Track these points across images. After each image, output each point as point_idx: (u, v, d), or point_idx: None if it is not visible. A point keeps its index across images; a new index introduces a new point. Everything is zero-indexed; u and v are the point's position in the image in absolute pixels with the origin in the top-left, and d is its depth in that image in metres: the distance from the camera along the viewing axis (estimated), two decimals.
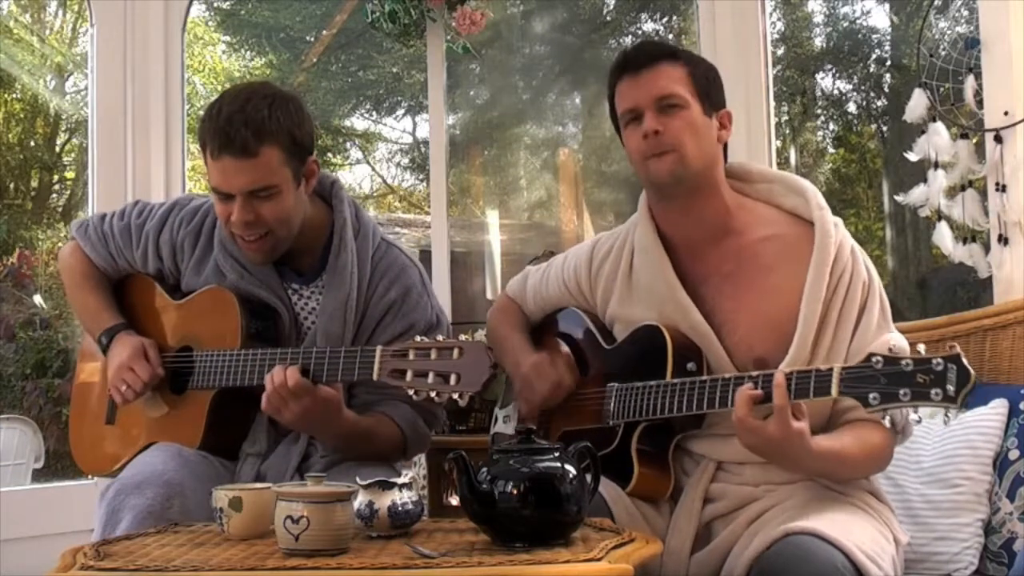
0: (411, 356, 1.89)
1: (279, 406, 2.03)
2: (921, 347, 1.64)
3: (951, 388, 1.57)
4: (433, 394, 1.86)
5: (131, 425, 2.32)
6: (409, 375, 1.88)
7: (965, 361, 1.58)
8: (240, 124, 2.05)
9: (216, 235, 2.28)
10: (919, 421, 1.66)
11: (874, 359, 1.64)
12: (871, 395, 1.63)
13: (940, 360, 1.59)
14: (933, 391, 1.58)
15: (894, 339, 1.91)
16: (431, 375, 1.86)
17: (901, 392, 1.60)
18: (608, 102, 2.11)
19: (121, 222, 2.38)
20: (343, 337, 2.20)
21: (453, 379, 1.84)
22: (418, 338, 1.91)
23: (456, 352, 1.85)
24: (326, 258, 2.24)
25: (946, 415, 1.60)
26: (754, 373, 1.80)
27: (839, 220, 2.01)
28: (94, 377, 2.45)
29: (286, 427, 2.22)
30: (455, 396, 1.85)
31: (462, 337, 1.90)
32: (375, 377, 1.95)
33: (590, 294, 2.18)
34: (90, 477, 2.88)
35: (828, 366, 1.71)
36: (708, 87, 2.04)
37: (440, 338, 1.90)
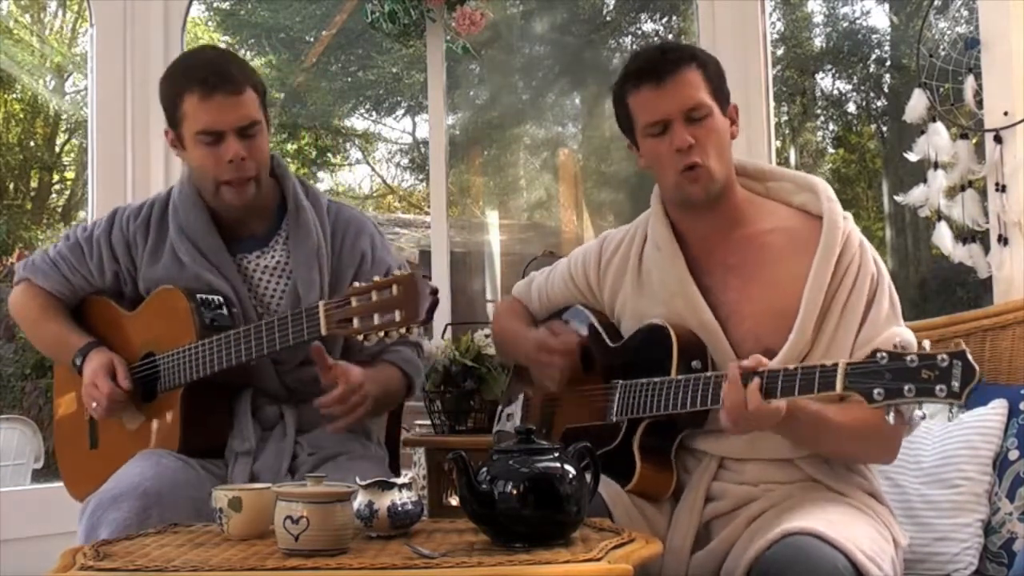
0: (353, 303, 1.89)
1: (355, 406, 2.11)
2: (926, 343, 1.63)
3: (956, 384, 1.56)
4: (382, 334, 1.85)
5: (114, 444, 2.32)
6: (356, 322, 1.88)
7: (970, 357, 1.57)
8: (224, 65, 2.20)
9: (171, 221, 2.30)
10: (924, 417, 1.65)
11: (879, 355, 1.64)
12: (876, 391, 1.62)
13: (945, 356, 1.58)
14: (938, 387, 1.57)
15: (902, 333, 1.91)
16: (376, 316, 1.85)
17: (906, 388, 1.60)
18: (617, 107, 2.07)
19: (68, 243, 2.40)
20: (321, 284, 2.25)
21: (397, 315, 1.83)
22: (354, 284, 1.91)
23: (395, 288, 1.84)
24: (280, 219, 2.31)
25: (950, 411, 1.59)
26: (760, 369, 1.78)
27: (848, 214, 2.01)
28: (72, 408, 2.43)
29: (271, 421, 2.24)
30: (403, 331, 1.84)
31: (395, 273, 1.88)
32: (323, 332, 1.96)
33: (598, 289, 2.18)
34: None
35: (833, 362, 1.70)
36: (720, 85, 2.02)
37: (377, 279, 1.87)
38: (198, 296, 2.23)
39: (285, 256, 2.29)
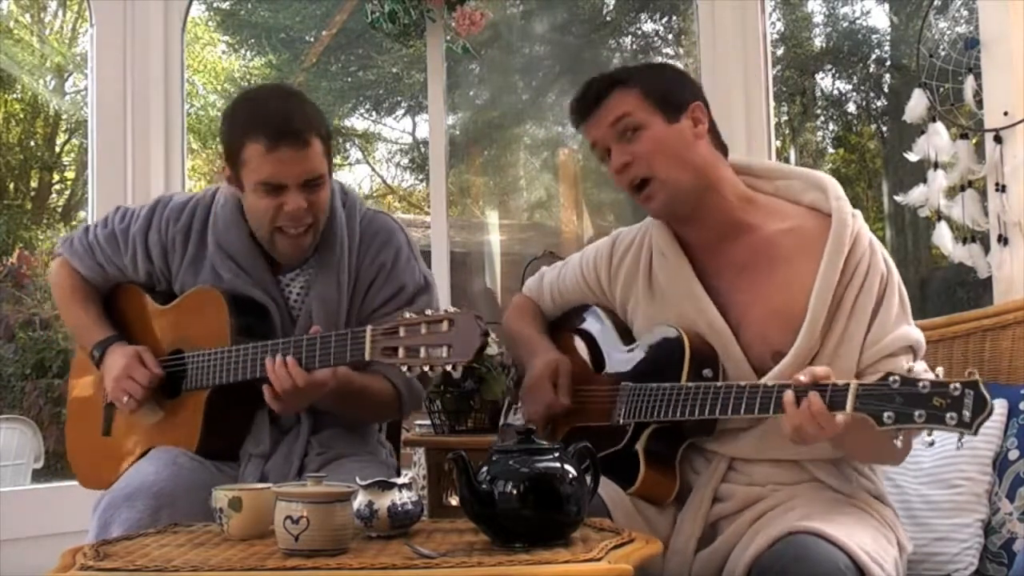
0: (401, 333, 1.88)
1: (293, 406, 2.10)
2: (940, 370, 1.62)
3: (967, 414, 1.55)
4: (426, 368, 1.85)
5: (128, 435, 2.31)
6: (401, 352, 1.87)
7: (983, 388, 1.56)
8: (292, 116, 2.11)
9: (210, 235, 2.27)
10: (932, 444, 1.64)
11: (891, 378, 1.63)
12: (886, 414, 1.62)
13: (958, 385, 1.57)
14: (948, 415, 1.56)
15: (911, 332, 1.91)
16: (423, 349, 1.85)
17: (916, 414, 1.59)
18: None
19: (105, 230, 2.37)
20: (339, 302, 2.22)
21: (444, 351, 1.83)
22: (407, 314, 1.90)
23: (446, 324, 1.83)
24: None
25: (960, 440, 1.58)
26: (770, 384, 1.78)
27: (858, 212, 1.99)
28: (87, 391, 2.42)
29: (287, 425, 2.23)
30: (448, 368, 1.84)
31: (448, 309, 1.89)
32: (367, 358, 1.94)
33: (609, 288, 2.18)
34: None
35: (845, 381, 1.69)
36: (665, 95, 2.01)
37: (430, 312, 1.88)
38: (238, 301, 2.21)
39: (314, 275, 2.26)
